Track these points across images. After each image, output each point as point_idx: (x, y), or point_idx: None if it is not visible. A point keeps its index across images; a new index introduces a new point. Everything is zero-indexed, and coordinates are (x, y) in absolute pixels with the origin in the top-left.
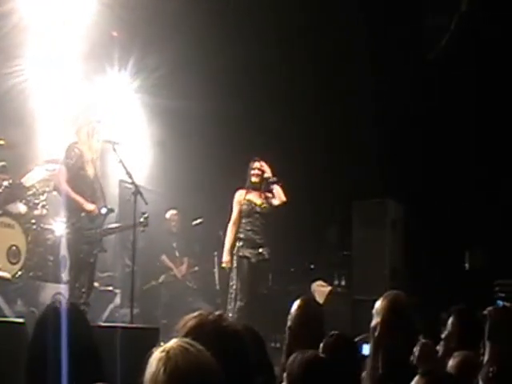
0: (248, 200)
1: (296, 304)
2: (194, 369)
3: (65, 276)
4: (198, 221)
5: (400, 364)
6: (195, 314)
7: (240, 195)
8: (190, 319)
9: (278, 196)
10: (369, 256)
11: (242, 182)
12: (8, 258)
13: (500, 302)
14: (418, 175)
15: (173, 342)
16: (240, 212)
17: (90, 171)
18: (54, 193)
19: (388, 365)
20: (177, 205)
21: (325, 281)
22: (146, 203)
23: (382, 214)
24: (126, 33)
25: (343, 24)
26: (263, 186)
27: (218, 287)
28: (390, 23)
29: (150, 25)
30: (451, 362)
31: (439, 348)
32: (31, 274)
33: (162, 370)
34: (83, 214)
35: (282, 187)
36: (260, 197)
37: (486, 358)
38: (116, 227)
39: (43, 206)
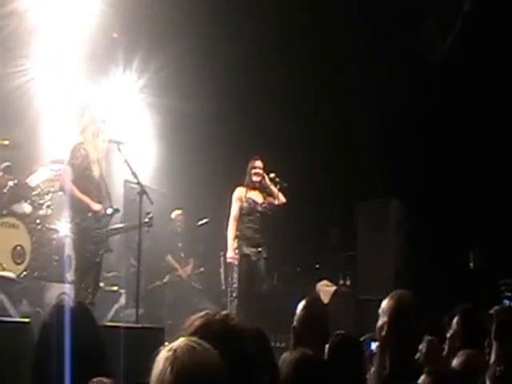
0: (249, 198)
1: (301, 304)
2: (201, 368)
3: (70, 276)
4: (204, 221)
5: (406, 363)
6: (202, 313)
7: (240, 192)
8: (196, 319)
9: (278, 197)
10: (373, 256)
11: (242, 181)
12: (13, 258)
13: (506, 302)
14: (419, 175)
15: (180, 341)
16: (241, 209)
17: (96, 171)
18: (60, 193)
19: (395, 364)
20: (181, 205)
21: (330, 281)
22: (152, 203)
23: (386, 214)
24: (130, 33)
25: (343, 24)
26: (264, 186)
27: (223, 287)
28: (390, 23)
29: (155, 25)
30: (455, 361)
31: (444, 347)
32: (36, 274)
33: (168, 370)
34: (89, 214)
35: (280, 190)
36: (260, 196)
37: (492, 357)
38: (121, 227)
39: (48, 206)
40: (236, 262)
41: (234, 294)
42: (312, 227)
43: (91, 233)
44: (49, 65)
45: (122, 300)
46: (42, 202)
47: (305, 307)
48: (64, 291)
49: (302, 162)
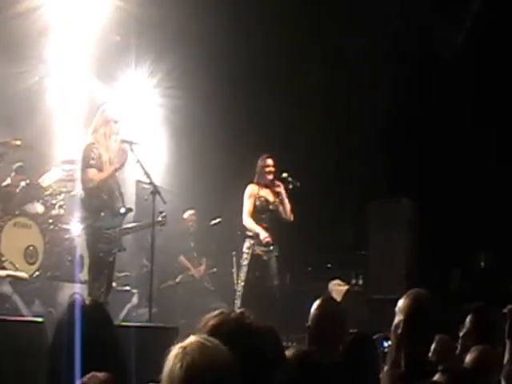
0: (261, 196)
1: (316, 304)
2: (211, 365)
3: (82, 276)
4: (217, 220)
5: (421, 362)
6: (216, 312)
7: (253, 189)
8: (211, 317)
9: (287, 213)
10: (385, 255)
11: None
12: (25, 258)
13: None
14: (431, 175)
15: (191, 338)
16: (254, 206)
17: None
18: (73, 193)
19: (410, 363)
20: (193, 205)
21: (342, 280)
22: (165, 202)
23: (397, 214)
24: (142, 34)
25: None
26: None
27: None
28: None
29: (166, 26)
30: (468, 357)
31: (457, 346)
32: (49, 274)
33: (178, 366)
34: (103, 214)
35: (287, 190)
36: (272, 195)
37: (506, 356)
38: (134, 226)
39: (60, 206)
40: (271, 240)
41: (241, 293)
42: (323, 226)
43: (104, 232)
44: (60, 65)
45: (135, 299)
46: (54, 201)
47: (319, 307)
48: (77, 291)
49: (313, 162)
